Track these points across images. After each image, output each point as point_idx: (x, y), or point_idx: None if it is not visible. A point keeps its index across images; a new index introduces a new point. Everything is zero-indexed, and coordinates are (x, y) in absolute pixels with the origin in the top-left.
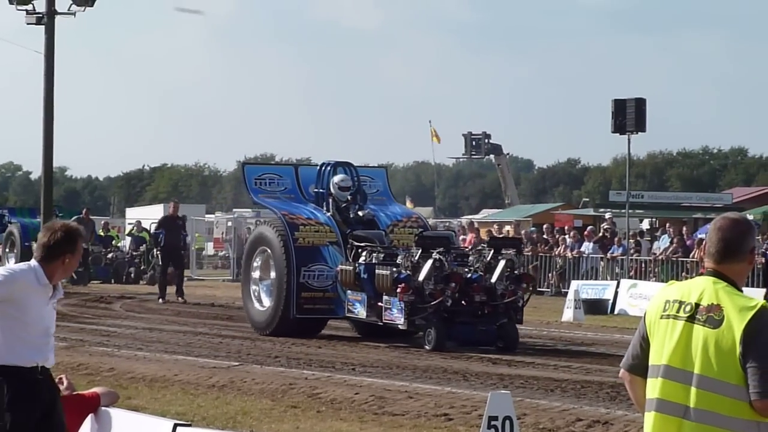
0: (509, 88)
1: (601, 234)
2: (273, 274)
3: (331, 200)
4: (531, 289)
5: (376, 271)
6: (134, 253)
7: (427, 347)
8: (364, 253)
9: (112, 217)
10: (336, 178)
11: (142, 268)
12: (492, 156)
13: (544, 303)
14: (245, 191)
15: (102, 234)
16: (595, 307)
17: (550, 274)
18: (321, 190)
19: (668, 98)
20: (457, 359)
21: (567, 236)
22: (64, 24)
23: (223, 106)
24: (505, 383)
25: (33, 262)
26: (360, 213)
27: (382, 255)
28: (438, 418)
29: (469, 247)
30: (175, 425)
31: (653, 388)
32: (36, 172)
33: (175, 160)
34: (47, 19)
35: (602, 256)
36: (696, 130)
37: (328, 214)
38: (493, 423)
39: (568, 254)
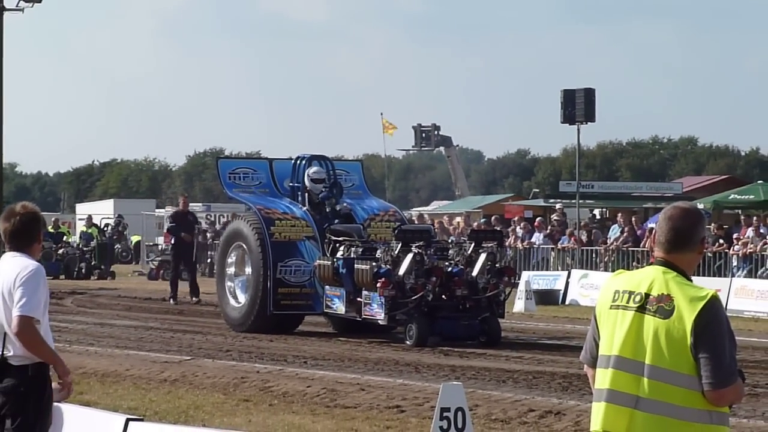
0: (458, 79)
1: (549, 228)
2: (248, 270)
3: (306, 194)
4: (512, 282)
5: (355, 265)
6: (84, 249)
7: (408, 342)
8: (342, 248)
9: (63, 212)
10: (310, 171)
11: (93, 263)
12: (442, 148)
13: None
14: (220, 185)
15: (53, 230)
16: (546, 297)
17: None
18: (296, 184)
19: (618, 88)
20: (409, 351)
21: (517, 227)
22: (12, 20)
23: (172, 100)
24: (456, 374)
25: (17, 254)
26: (336, 207)
27: (361, 249)
28: (390, 410)
29: (459, 233)
30: (127, 420)
31: (603, 378)
32: None
33: (125, 154)
34: None
35: (553, 246)
36: (645, 120)
37: (304, 208)
38: (445, 414)
39: (519, 245)
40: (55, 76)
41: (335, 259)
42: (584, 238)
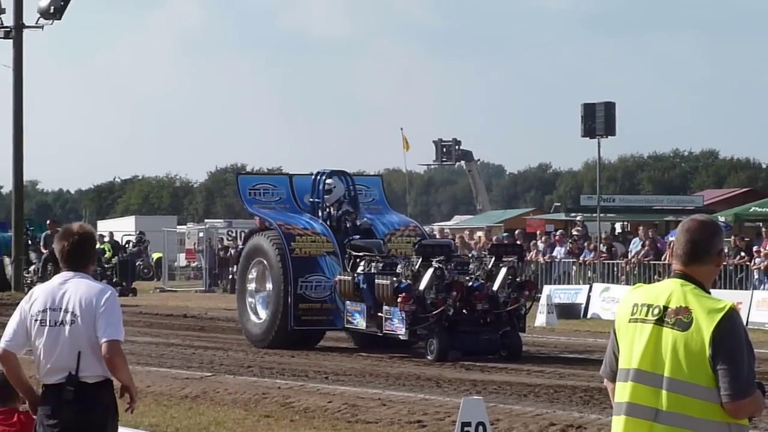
0: (479, 94)
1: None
2: (269, 286)
3: (327, 210)
4: (534, 296)
5: (376, 280)
6: (106, 266)
7: (429, 357)
8: (362, 263)
9: None
10: (328, 182)
11: (114, 280)
12: (463, 162)
13: None
14: (240, 202)
15: None
16: (567, 311)
17: None
18: (316, 200)
19: (638, 102)
20: (430, 366)
21: (539, 241)
22: (32, 37)
23: (193, 116)
24: (478, 389)
25: (76, 273)
26: (357, 222)
27: (381, 264)
28: (411, 425)
29: (480, 247)
30: None
31: (623, 392)
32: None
33: (146, 171)
34: (15, 33)
35: (574, 260)
36: (666, 134)
37: (325, 223)
38: (466, 429)
39: (540, 259)
40: (76, 93)
41: (356, 275)
42: (605, 251)
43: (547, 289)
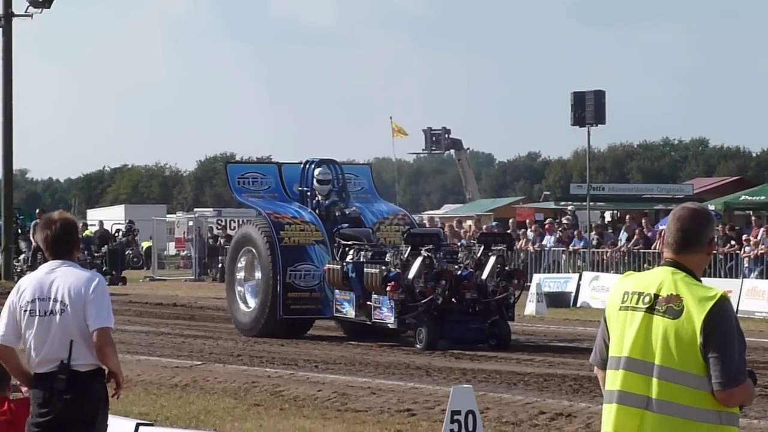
0: (468, 82)
1: (560, 230)
2: (258, 275)
3: (316, 198)
4: (522, 285)
5: (365, 269)
6: (96, 254)
7: (418, 346)
8: (351, 252)
9: None
10: (315, 172)
11: (104, 269)
12: (452, 151)
13: None
14: (228, 190)
15: None
16: (557, 300)
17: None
18: (305, 189)
19: (628, 90)
20: (419, 355)
21: (529, 230)
22: (21, 26)
23: (182, 105)
24: (467, 378)
25: (62, 262)
26: (346, 211)
27: (370, 253)
28: (401, 413)
29: (470, 236)
30: (138, 425)
31: (614, 380)
32: None
33: (135, 160)
34: (4, 22)
35: (564, 249)
36: (656, 122)
37: (314, 212)
38: (456, 417)
39: (530, 248)
40: (65, 82)
41: (345, 263)
42: (594, 240)
43: (536, 277)
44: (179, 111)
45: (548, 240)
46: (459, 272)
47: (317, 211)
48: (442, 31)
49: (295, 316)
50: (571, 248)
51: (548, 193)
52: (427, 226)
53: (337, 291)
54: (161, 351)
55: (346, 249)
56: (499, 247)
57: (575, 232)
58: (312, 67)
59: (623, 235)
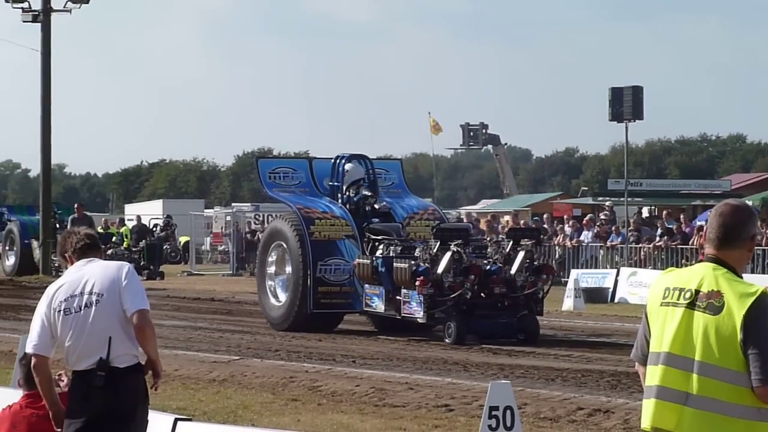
0: (506, 78)
1: (598, 226)
2: (289, 269)
3: (346, 193)
4: (551, 280)
5: (394, 264)
6: (133, 249)
7: (447, 341)
8: (381, 247)
9: (111, 213)
10: (346, 167)
11: (142, 264)
12: (490, 146)
13: None
14: (260, 186)
15: (102, 231)
16: (595, 295)
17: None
18: (336, 183)
19: (665, 86)
20: (457, 350)
21: (566, 225)
22: (59, 21)
23: (220, 100)
24: (505, 373)
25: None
26: (376, 206)
27: (400, 248)
28: (439, 408)
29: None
30: (176, 420)
31: (653, 375)
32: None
33: (173, 155)
34: (43, 17)
35: (602, 244)
36: (694, 117)
37: (344, 207)
38: (494, 413)
39: (568, 243)
40: (103, 77)
41: (374, 258)
42: (632, 236)
43: (574, 273)
44: (216, 106)
45: (586, 235)
46: (488, 267)
47: (347, 206)
48: (478, 25)
49: (325, 311)
50: (608, 244)
51: (586, 188)
52: (465, 221)
53: (366, 285)
54: (199, 346)
55: (376, 244)
56: (527, 242)
57: (613, 228)
58: (348, 62)
59: (659, 232)
